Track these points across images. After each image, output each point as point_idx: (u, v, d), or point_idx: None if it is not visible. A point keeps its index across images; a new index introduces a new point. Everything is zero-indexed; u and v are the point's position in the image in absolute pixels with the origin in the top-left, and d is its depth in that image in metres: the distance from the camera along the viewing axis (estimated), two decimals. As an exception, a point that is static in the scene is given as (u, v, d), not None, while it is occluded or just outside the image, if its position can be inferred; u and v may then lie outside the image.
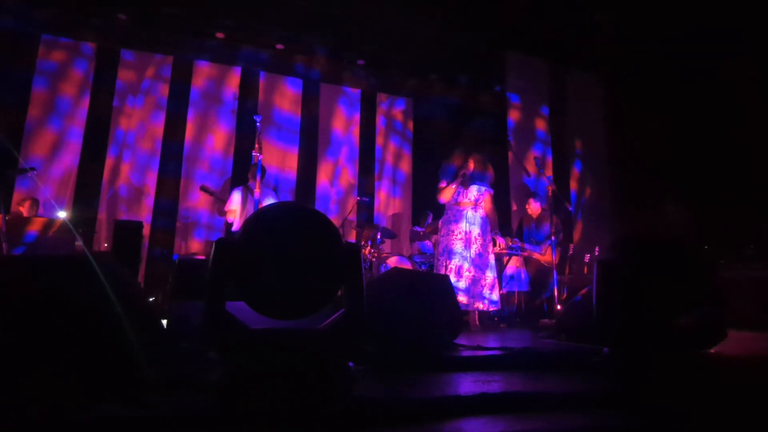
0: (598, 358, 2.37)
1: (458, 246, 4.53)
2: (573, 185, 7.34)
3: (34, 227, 4.20)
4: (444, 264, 4.54)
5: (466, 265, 4.48)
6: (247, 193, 5.13)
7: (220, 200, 5.46)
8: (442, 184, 4.65)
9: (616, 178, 7.07)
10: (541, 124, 7.41)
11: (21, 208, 4.96)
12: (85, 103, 6.26)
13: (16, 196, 5.48)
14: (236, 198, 5.15)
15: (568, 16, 6.23)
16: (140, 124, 6.52)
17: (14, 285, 2.16)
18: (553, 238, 4.56)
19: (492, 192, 4.69)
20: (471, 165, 4.62)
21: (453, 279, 4.31)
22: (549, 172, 6.32)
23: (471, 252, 4.50)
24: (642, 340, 2.16)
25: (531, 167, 6.71)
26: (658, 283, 2.14)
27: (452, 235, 4.57)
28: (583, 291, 3.63)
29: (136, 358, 2.13)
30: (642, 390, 2.12)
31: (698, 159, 6.00)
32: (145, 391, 1.94)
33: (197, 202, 6.52)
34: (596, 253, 5.46)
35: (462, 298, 4.32)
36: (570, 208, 4.89)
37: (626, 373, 2.23)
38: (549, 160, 7.27)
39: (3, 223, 3.35)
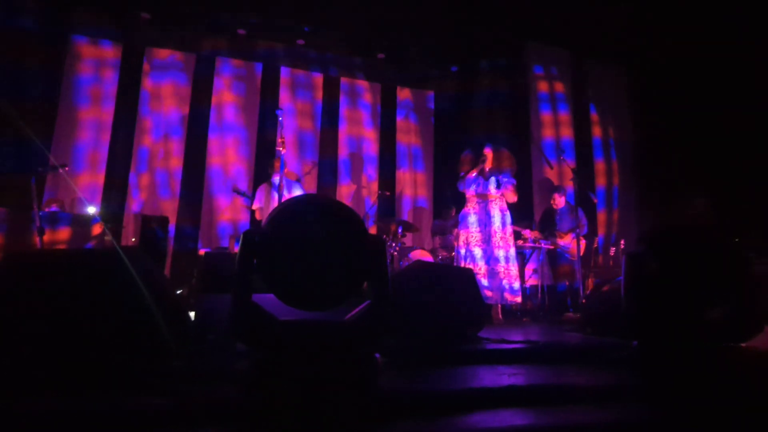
0: (627, 352, 2.33)
1: (479, 238, 4.50)
2: (597, 177, 7.20)
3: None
4: (465, 256, 4.52)
5: (486, 257, 4.45)
6: (270, 188, 5.18)
7: (245, 195, 5.51)
8: (461, 175, 4.67)
9: (642, 170, 6.92)
10: (564, 115, 7.28)
11: (53, 206, 5.12)
12: (112, 99, 6.40)
13: (48, 193, 5.66)
14: (260, 195, 5.22)
15: (590, 4, 6.09)
16: (166, 119, 6.64)
17: (49, 278, 2.23)
18: (577, 230, 4.48)
19: (514, 183, 4.64)
20: (490, 156, 4.59)
21: (476, 262, 4.32)
22: (573, 164, 6.20)
23: (492, 244, 4.47)
24: (672, 333, 2.11)
25: (556, 160, 6.60)
26: (689, 275, 2.09)
27: (473, 227, 4.55)
28: (609, 285, 3.57)
29: (166, 349, 2.18)
30: (672, 384, 2.08)
31: (729, 149, 5.81)
32: (175, 382, 1.98)
33: (223, 195, 6.61)
34: (622, 246, 5.36)
35: (484, 291, 4.30)
36: (595, 200, 4.79)
37: (656, 367, 2.19)
38: (572, 151, 7.14)
39: (38, 218, 3.45)
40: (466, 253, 4.53)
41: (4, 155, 5.15)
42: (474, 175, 4.60)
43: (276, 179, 5.05)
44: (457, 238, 4.78)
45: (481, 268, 4.44)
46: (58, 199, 5.39)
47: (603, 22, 6.34)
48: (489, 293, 4.36)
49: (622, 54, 7.00)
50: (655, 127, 6.62)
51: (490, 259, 4.45)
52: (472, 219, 4.58)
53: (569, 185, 5.40)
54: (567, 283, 5.26)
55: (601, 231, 6.32)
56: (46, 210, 4.75)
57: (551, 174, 6.77)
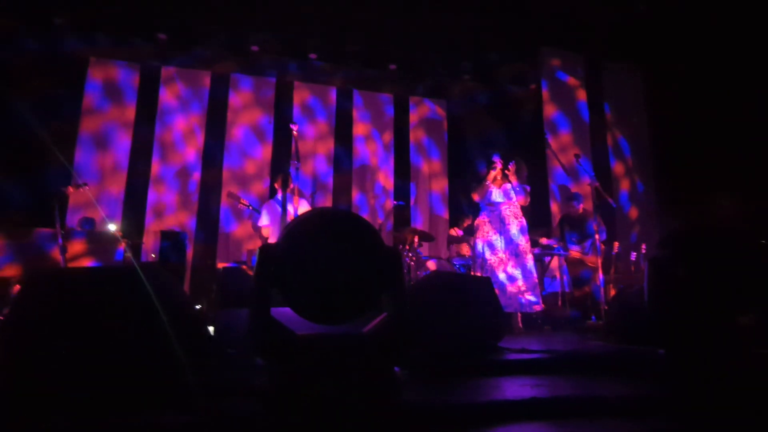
0: (653, 360, 2.27)
1: (495, 247, 4.46)
2: (615, 181, 7.10)
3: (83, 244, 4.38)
4: (481, 265, 4.48)
5: (503, 266, 4.40)
6: (277, 205, 5.14)
7: (252, 208, 5.51)
8: (475, 183, 4.65)
9: (661, 173, 6.79)
10: (579, 120, 7.21)
11: (77, 226, 5.23)
12: (131, 118, 6.55)
13: (71, 212, 5.79)
14: (266, 212, 5.16)
15: (605, 6, 6.05)
16: (182, 137, 6.76)
17: (70, 295, 2.26)
18: (597, 236, 4.41)
19: (528, 189, 4.61)
20: (500, 165, 4.58)
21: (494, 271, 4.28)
22: (590, 170, 6.12)
23: (508, 252, 4.42)
24: (700, 341, 2.05)
25: (571, 165, 6.53)
26: (715, 280, 2.03)
27: (488, 236, 4.51)
28: (631, 291, 3.49)
29: (186, 365, 2.19)
30: (701, 394, 2.01)
31: (754, 147, 5.67)
32: (195, 397, 1.98)
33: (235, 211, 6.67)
34: (643, 251, 5.25)
35: (503, 299, 4.24)
36: (614, 205, 4.71)
37: (684, 376, 2.12)
38: (589, 156, 7.06)
39: (60, 236, 3.53)
40: (482, 262, 4.49)
41: (29, 176, 5.29)
42: (487, 184, 4.59)
43: (281, 195, 5.06)
44: (473, 247, 4.75)
45: (499, 276, 4.39)
46: (89, 217, 5.49)
47: (618, 24, 6.28)
48: (508, 301, 4.31)
49: (638, 55, 6.92)
50: (674, 128, 6.50)
51: (507, 267, 4.41)
52: (488, 228, 4.54)
53: (587, 191, 5.32)
54: (588, 291, 5.17)
55: (621, 236, 6.20)
56: (74, 228, 4.85)
57: (568, 180, 6.70)
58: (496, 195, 4.59)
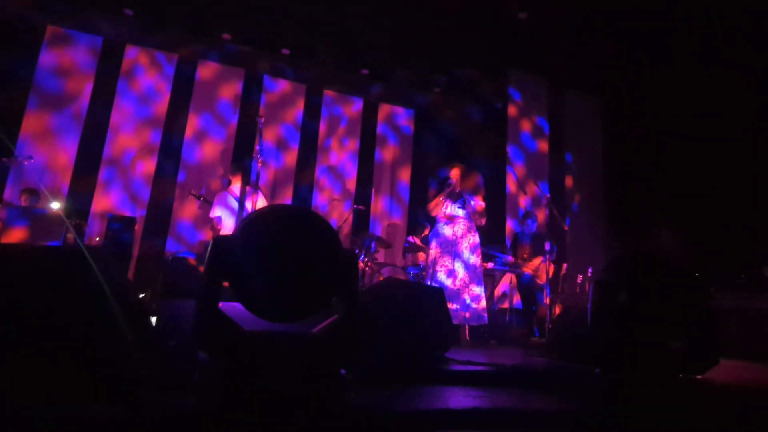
0: (589, 378, 2.37)
1: (447, 258, 4.52)
2: (568, 203, 7.39)
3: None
4: (433, 276, 4.53)
5: (453, 278, 4.47)
6: (228, 197, 5.03)
7: (203, 200, 5.37)
8: (431, 195, 4.69)
9: (610, 199, 7.13)
10: (539, 141, 7.47)
11: (21, 199, 4.92)
12: (87, 95, 6.24)
13: (12, 185, 5.44)
14: (219, 204, 5.03)
15: (571, 39, 6.32)
16: (140, 120, 6.50)
17: (6, 274, 2.13)
18: (547, 256, 4.56)
19: (483, 205, 4.68)
20: (457, 177, 4.64)
21: (441, 278, 4.34)
22: (545, 191, 6.34)
23: (460, 265, 4.50)
24: (634, 362, 2.15)
25: (529, 185, 6.74)
26: (652, 305, 2.15)
27: (442, 247, 4.57)
28: (575, 311, 3.63)
29: (125, 355, 2.10)
30: (630, 412, 2.11)
31: (693, 184, 6.06)
32: (132, 389, 1.91)
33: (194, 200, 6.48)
34: (589, 274, 5.48)
35: (452, 311, 4.31)
36: (566, 228, 4.91)
37: (616, 395, 2.22)
38: (546, 177, 7.31)
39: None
40: (434, 272, 4.54)
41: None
42: (442, 199, 4.64)
43: (236, 188, 4.96)
44: (428, 255, 4.80)
45: (445, 280, 4.45)
46: (33, 189, 5.14)
47: (581, 54, 6.57)
48: (457, 313, 4.38)
49: (598, 85, 7.27)
50: (625, 158, 6.85)
51: (457, 279, 4.47)
52: (441, 239, 4.60)
53: (541, 211, 5.50)
54: (534, 308, 5.33)
55: (569, 258, 6.45)
56: (16, 203, 4.56)
57: (524, 199, 6.91)
58: (450, 207, 4.65)
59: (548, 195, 4.99)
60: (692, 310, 2.24)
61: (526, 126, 7.43)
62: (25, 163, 4.01)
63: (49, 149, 5.95)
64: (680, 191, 6.13)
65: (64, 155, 6.02)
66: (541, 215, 5.83)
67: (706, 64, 6.00)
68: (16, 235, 3.97)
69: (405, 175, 7.99)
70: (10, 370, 1.84)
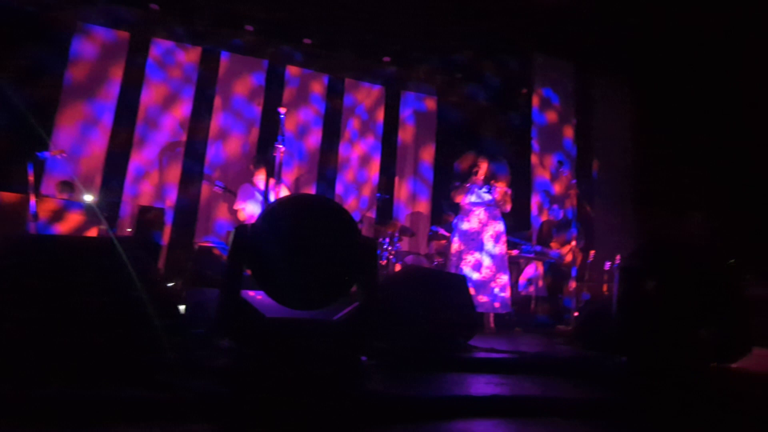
0: (615, 368, 2.33)
1: (472, 246, 4.49)
2: (594, 189, 7.21)
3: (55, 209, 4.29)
4: (457, 264, 4.51)
5: (478, 266, 4.44)
6: (252, 188, 5.11)
7: (226, 190, 5.46)
8: (456, 183, 4.65)
9: (641, 185, 6.92)
10: (566, 127, 7.30)
11: (55, 192, 5.12)
12: (116, 90, 6.40)
13: (48, 178, 5.66)
14: (243, 195, 5.12)
15: (598, 19, 6.11)
16: (167, 113, 6.64)
17: (42, 263, 2.22)
18: (575, 243, 4.48)
19: (509, 191, 4.62)
20: (485, 164, 4.59)
21: (467, 271, 4.31)
22: (572, 177, 6.21)
23: (485, 253, 4.46)
24: (661, 351, 2.11)
25: (555, 171, 6.61)
26: (681, 293, 2.09)
27: (466, 236, 4.54)
28: (601, 299, 3.57)
29: (153, 341, 2.18)
30: (657, 402, 2.08)
31: (728, 168, 5.82)
32: (160, 374, 1.97)
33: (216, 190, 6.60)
34: (617, 261, 5.36)
35: (476, 299, 4.29)
36: (593, 215, 4.80)
37: (642, 384, 2.18)
38: (573, 164, 7.15)
39: (34, 204, 3.45)
40: (458, 260, 4.52)
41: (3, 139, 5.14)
42: (468, 185, 4.60)
43: (260, 178, 5.03)
44: (450, 244, 4.78)
45: (472, 274, 4.43)
46: (69, 182, 5.34)
47: (610, 35, 6.35)
48: (481, 300, 4.36)
49: (627, 67, 7.02)
50: (655, 143, 6.63)
51: (481, 266, 4.44)
52: (466, 227, 4.57)
53: (568, 198, 5.40)
54: (560, 296, 5.26)
55: (596, 245, 6.32)
56: (54, 197, 4.74)
57: (551, 186, 6.79)
58: (478, 196, 4.61)
59: (575, 181, 4.88)
60: (723, 297, 2.18)
61: (552, 110, 7.27)
62: (59, 157, 4.15)
63: (81, 144, 6.14)
64: (714, 176, 5.90)
65: (96, 150, 6.21)
66: (568, 202, 5.72)
67: (743, 42, 5.72)
68: (63, 226, 4.12)
69: (428, 164, 7.94)
70: (46, 355, 1.92)
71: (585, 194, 4.88)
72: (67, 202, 4.53)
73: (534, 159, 6.88)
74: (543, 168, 6.67)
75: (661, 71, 6.55)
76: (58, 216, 4.06)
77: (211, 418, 1.60)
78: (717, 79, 5.99)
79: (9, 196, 3.76)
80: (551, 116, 7.25)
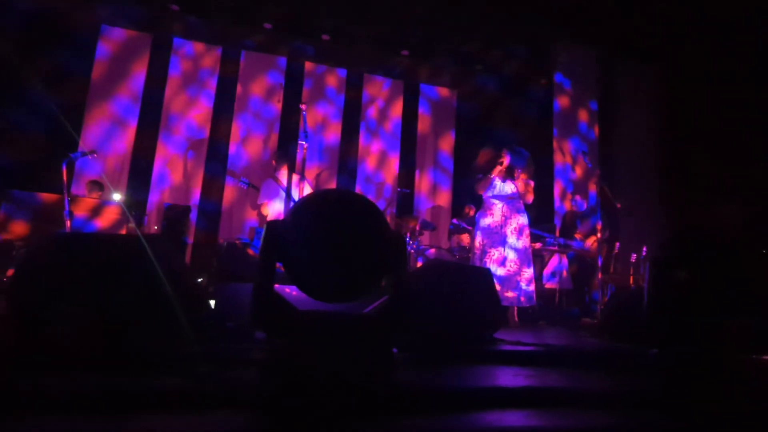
0: (645, 359, 2.30)
1: (495, 240, 4.47)
2: (619, 180, 7.09)
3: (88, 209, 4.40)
4: (480, 258, 4.49)
5: (501, 260, 4.42)
6: (275, 184, 5.16)
7: (250, 186, 5.52)
8: (479, 176, 4.63)
9: (667, 174, 6.77)
10: (588, 117, 7.19)
11: (85, 191, 5.26)
12: (140, 90, 6.53)
13: (77, 178, 5.82)
14: (266, 191, 5.18)
15: (622, 3, 5.97)
16: (191, 111, 6.75)
17: (78, 260, 2.29)
18: (599, 234, 4.42)
19: (532, 184, 4.58)
20: (506, 156, 4.56)
21: (492, 267, 4.29)
22: (596, 167, 6.12)
23: (508, 246, 4.44)
24: (694, 342, 2.08)
25: (578, 162, 6.53)
26: (715, 283, 2.05)
27: (489, 229, 4.52)
28: (628, 291, 3.52)
29: (186, 334, 2.23)
30: (691, 393, 2.05)
31: (762, 158, 5.65)
32: (194, 366, 2.02)
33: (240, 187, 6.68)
34: (644, 253, 5.27)
35: (500, 292, 4.27)
36: (619, 205, 4.71)
37: (675, 375, 2.16)
38: (597, 153, 7.04)
39: (67, 202, 3.56)
40: (482, 254, 4.51)
41: (37, 142, 5.30)
42: (492, 177, 4.57)
43: (282, 174, 5.07)
44: (473, 239, 4.76)
45: (497, 269, 4.40)
46: (99, 182, 5.48)
47: (633, 19, 6.21)
48: (505, 294, 4.34)
49: (652, 53, 6.85)
50: (682, 130, 6.46)
51: (505, 260, 4.42)
52: (489, 221, 4.54)
53: (592, 188, 5.32)
54: (585, 289, 5.20)
55: (622, 236, 6.22)
56: (85, 196, 4.88)
57: (574, 177, 6.70)
58: (500, 188, 4.58)
59: (599, 170, 4.81)
60: (758, 288, 2.13)
61: (574, 100, 7.15)
62: (90, 157, 4.27)
63: (108, 144, 6.29)
64: (748, 165, 5.72)
65: (122, 149, 6.35)
66: (591, 192, 5.64)
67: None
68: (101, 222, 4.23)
69: (448, 157, 7.91)
70: (80, 346, 1.99)
71: (609, 185, 4.80)
72: (101, 201, 4.66)
73: (556, 150, 6.79)
74: (563, 155, 6.58)
75: (691, 56, 6.37)
76: (95, 213, 4.18)
77: (246, 407, 1.64)
78: (750, 64, 5.81)
79: (49, 197, 3.90)
80: (573, 105, 7.14)
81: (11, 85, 5.50)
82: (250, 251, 3.44)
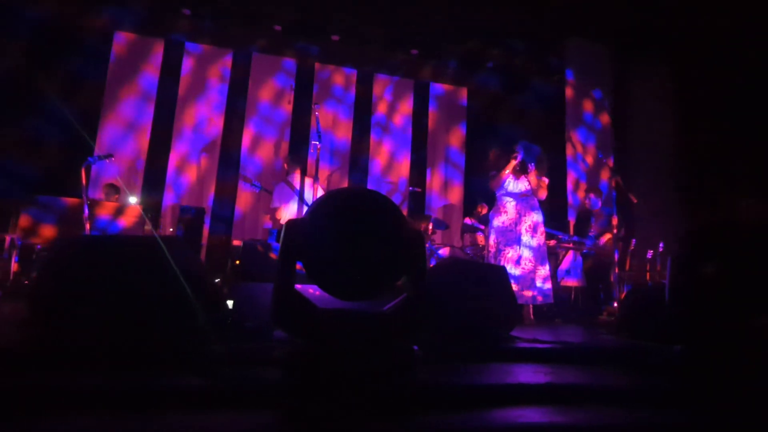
0: (667, 357, 2.28)
1: (509, 238, 4.44)
2: (634, 176, 7.01)
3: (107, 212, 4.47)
4: (495, 256, 4.47)
5: (516, 258, 4.40)
6: (288, 187, 5.16)
7: (263, 189, 5.54)
8: (493, 173, 4.60)
9: (684, 168, 6.68)
10: (602, 115, 7.12)
11: (101, 194, 5.34)
12: (153, 94, 6.61)
13: (93, 181, 5.90)
14: (278, 194, 5.19)
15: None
16: (203, 114, 6.81)
17: (97, 262, 2.33)
18: (615, 231, 4.38)
19: (546, 181, 4.55)
20: (520, 153, 4.53)
21: (508, 267, 4.26)
22: (611, 163, 6.05)
23: (522, 244, 4.41)
24: (718, 340, 2.05)
25: (591, 159, 6.47)
26: (740, 278, 2.02)
27: (503, 228, 4.49)
28: (645, 288, 3.48)
29: (206, 333, 2.26)
30: (715, 390, 2.02)
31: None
32: (214, 364, 2.04)
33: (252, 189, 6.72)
34: (660, 249, 5.21)
35: (515, 290, 4.25)
36: (635, 201, 4.65)
37: (698, 373, 2.13)
38: (611, 149, 6.97)
39: (86, 206, 3.62)
40: (496, 252, 4.49)
41: (55, 147, 5.40)
42: (505, 174, 4.55)
43: (295, 177, 5.08)
44: (487, 237, 4.74)
45: (512, 269, 4.38)
46: (116, 185, 5.55)
47: (646, 13, 6.13)
48: (520, 293, 4.31)
49: (666, 47, 6.76)
50: (699, 124, 6.36)
51: (520, 259, 4.40)
52: (503, 218, 4.52)
53: (606, 185, 5.26)
54: (601, 286, 5.15)
55: (637, 233, 6.15)
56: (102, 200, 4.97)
57: (588, 174, 6.64)
58: (514, 186, 4.56)
59: (613, 167, 4.76)
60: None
61: (587, 98, 7.09)
62: (108, 161, 4.33)
63: (123, 148, 6.37)
64: (760, 156, 5.63)
65: (137, 153, 6.44)
66: (607, 189, 5.59)
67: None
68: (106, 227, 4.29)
69: (459, 156, 7.89)
70: (102, 347, 2.02)
71: (625, 181, 4.75)
72: (121, 204, 4.73)
73: (569, 147, 6.74)
74: (573, 147, 6.52)
75: (707, 49, 6.27)
76: (118, 213, 4.25)
77: (269, 405, 1.65)
78: (765, 55, 5.71)
79: (73, 201, 3.98)
80: (586, 104, 7.08)
81: (30, 94, 5.61)
82: (272, 254, 3.46)
